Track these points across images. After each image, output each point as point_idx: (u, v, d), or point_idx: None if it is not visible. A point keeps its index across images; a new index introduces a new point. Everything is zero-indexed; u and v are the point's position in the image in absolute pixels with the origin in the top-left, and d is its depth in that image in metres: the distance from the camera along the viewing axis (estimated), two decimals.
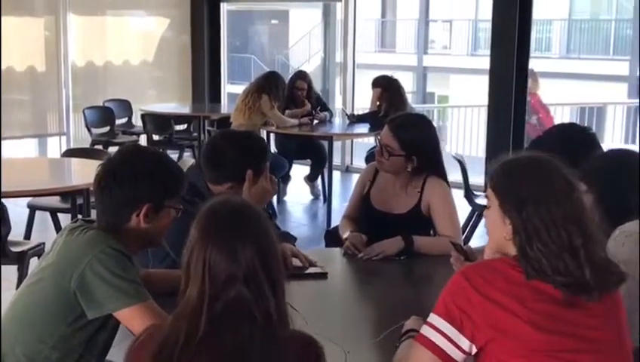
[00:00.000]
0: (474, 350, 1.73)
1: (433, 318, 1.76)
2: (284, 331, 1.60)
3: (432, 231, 3.18)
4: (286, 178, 7.32)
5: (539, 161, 1.83)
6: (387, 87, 6.92)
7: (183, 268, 1.62)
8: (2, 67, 8.13)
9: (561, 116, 10.36)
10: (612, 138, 11.03)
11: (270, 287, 1.59)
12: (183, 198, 2.28)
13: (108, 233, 2.11)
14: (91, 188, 4.46)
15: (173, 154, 7.62)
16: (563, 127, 3.04)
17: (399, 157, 3.10)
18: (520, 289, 1.71)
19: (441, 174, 3.21)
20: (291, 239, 3.07)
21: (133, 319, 2.04)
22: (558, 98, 12.99)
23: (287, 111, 6.97)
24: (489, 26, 7.50)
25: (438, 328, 1.74)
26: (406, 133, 3.12)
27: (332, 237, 3.44)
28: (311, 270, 2.77)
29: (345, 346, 2.08)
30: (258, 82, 6.85)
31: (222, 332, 1.56)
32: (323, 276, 2.75)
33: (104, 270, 2.02)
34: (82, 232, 2.11)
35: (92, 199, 4.59)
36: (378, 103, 6.95)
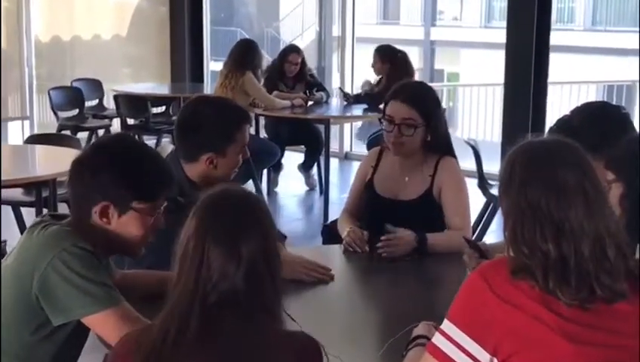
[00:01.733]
0: None
1: (447, 326, 1.73)
2: (282, 329, 1.65)
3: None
4: (277, 166, 7.31)
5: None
6: (390, 59, 6.88)
7: (175, 262, 1.65)
8: None
9: (586, 95, 10.33)
10: None
11: (272, 284, 1.64)
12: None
13: (75, 230, 2.09)
14: (58, 179, 4.52)
15: (150, 140, 7.60)
16: (593, 105, 3.02)
17: (421, 128, 3.09)
18: (548, 293, 1.68)
19: (453, 154, 3.21)
20: (280, 238, 3.06)
21: (104, 325, 2.03)
22: (582, 75, 13.01)
23: (275, 92, 6.93)
24: None
25: (452, 338, 1.71)
26: (420, 99, 3.14)
27: (330, 233, 3.43)
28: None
29: (344, 358, 2.05)
30: (235, 58, 6.76)
31: (216, 331, 1.59)
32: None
33: (68, 271, 2.00)
34: (44, 229, 2.09)
35: (60, 191, 4.58)
36: (379, 77, 6.92)
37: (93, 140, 6.40)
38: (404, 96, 3.13)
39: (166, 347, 1.58)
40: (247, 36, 14.53)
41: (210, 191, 1.72)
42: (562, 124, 2.69)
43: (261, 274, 1.64)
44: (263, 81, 6.90)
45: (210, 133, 2.82)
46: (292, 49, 7.37)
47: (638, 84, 10.46)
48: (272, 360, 1.62)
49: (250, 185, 6.59)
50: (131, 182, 2.13)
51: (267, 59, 7.57)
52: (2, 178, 4.47)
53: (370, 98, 6.92)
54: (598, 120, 2.63)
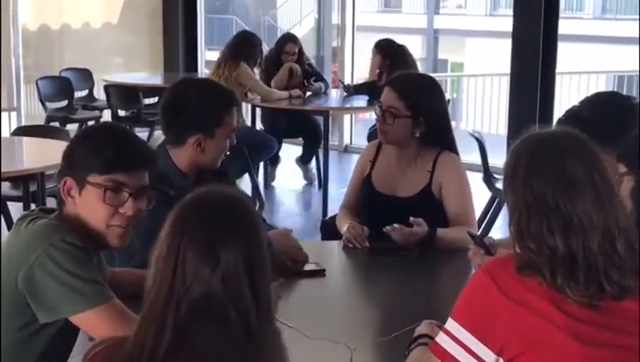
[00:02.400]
0: None
1: (452, 325, 1.73)
2: (263, 351, 1.55)
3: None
4: (275, 160, 7.30)
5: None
6: (391, 54, 6.89)
7: (150, 265, 1.59)
8: None
9: (596, 85, 10.33)
10: None
11: (253, 298, 1.54)
12: (152, 188, 2.25)
13: (63, 223, 2.09)
14: (47, 173, 4.51)
15: (143, 133, 7.58)
16: (603, 95, 3.01)
17: (405, 119, 3.09)
18: (556, 290, 1.67)
19: (455, 149, 3.21)
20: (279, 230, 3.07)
21: (94, 324, 2.02)
22: (592, 65, 12.99)
23: (273, 82, 6.93)
24: None
25: (457, 338, 1.71)
26: (411, 90, 3.15)
27: (329, 229, 3.42)
28: (307, 267, 2.77)
29: (349, 344, 2.11)
30: (231, 48, 6.75)
31: (190, 342, 1.53)
32: (320, 273, 2.75)
33: (56, 267, 1.99)
34: (32, 223, 2.08)
35: (49, 185, 4.58)
36: (379, 71, 6.92)
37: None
38: (395, 84, 3.19)
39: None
40: (243, 24, 14.53)
41: (195, 191, 1.65)
42: (571, 115, 2.68)
43: (240, 282, 1.54)
44: (259, 72, 6.89)
45: (197, 114, 2.83)
46: (289, 38, 7.37)
47: None
48: None
49: (246, 180, 6.60)
50: (86, 154, 2.11)
51: (264, 48, 7.55)
52: None
53: (371, 89, 6.91)
54: (609, 111, 2.62)
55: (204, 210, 1.60)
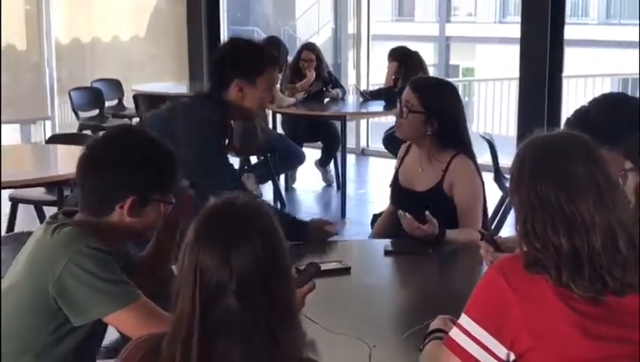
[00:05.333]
0: (512, 358, 1.69)
1: (465, 321, 1.72)
2: (290, 356, 1.51)
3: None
4: None
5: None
6: (405, 61, 6.87)
7: (178, 272, 1.56)
8: None
9: (601, 88, 10.26)
10: None
11: (269, 303, 1.50)
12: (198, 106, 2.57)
13: (86, 228, 2.08)
14: None
15: None
16: (611, 96, 2.98)
17: (418, 114, 3.15)
18: (562, 286, 1.66)
19: (470, 154, 3.22)
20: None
21: (125, 322, 2.03)
22: (597, 68, 12.90)
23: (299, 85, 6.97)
24: None
25: (470, 333, 1.70)
26: (427, 91, 3.22)
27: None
28: (332, 266, 2.77)
29: (369, 341, 2.11)
30: None
31: (214, 356, 1.49)
32: (346, 271, 2.75)
33: (84, 273, 1.99)
34: (57, 231, 2.07)
35: None
36: (395, 78, 6.91)
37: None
38: (414, 83, 3.31)
39: None
40: (263, 35, 14.54)
41: (212, 203, 1.60)
42: (580, 115, 2.66)
43: (254, 291, 1.49)
44: (280, 78, 6.89)
45: (244, 60, 3.09)
46: (305, 46, 7.43)
47: None
48: None
49: (269, 186, 6.61)
50: (154, 174, 2.13)
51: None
52: (25, 178, 4.51)
53: (387, 95, 6.90)
54: (617, 111, 2.59)
55: (218, 220, 1.56)
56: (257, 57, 3.12)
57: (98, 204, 2.12)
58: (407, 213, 2.98)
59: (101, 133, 2.42)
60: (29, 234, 2.26)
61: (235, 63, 3.09)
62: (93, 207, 2.13)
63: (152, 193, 2.13)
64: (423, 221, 2.96)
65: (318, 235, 3.07)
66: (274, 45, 7.11)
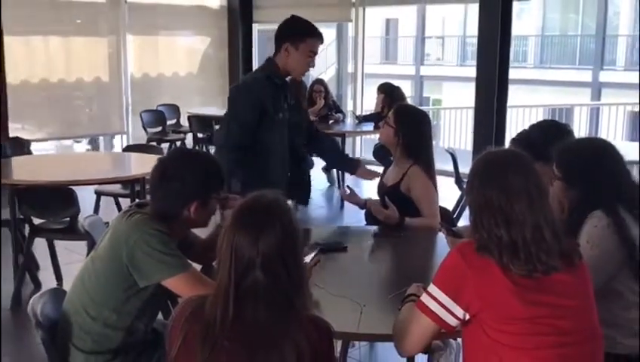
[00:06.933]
0: (467, 317, 1.67)
1: (432, 288, 1.71)
2: (302, 314, 1.52)
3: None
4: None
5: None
6: (390, 93, 6.86)
7: (217, 252, 1.57)
8: (73, 78, 8.17)
9: (536, 116, 10.25)
10: (578, 135, 10.88)
11: (287, 275, 1.50)
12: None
13: (152, 218, 2.08)
14: (147, 178, 4.53)
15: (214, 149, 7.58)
16: (546, 122, 2.97)
17: (390, 128, 3.17)
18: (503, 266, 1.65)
19: (427, 165, 3.15)
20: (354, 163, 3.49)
21: (179, 285, 2.03)
22: (533, 100, 12.87)
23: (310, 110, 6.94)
24: (475, 41, 7.41)
25: (435, 297, 1.69)
26: (402, 113, 3.23)
27: (370, 214, 3.50)
28: (332, 245, 2.73)
29: (361, 302, 2.11)
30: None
31: (245, 315, 1.50)
32: (343, 249, 2.74)
33: (148, 247, 2.00)
34: (129, 217, 2.08)
35: (148, 186, 4.59)
36: (382, 106, 6.89)
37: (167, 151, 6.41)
38: (398, 106, 3.36)
39: (214, 328, 1.50)
40: None
41: (245, 197, 1.61)
42: (522, 136, 2.65)
43: (276, 266, 1.49)
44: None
45: (293, 28, 3.05)
46: (316, 81, 7.41)
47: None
48: (290, 340, 1.48)
49: None
50: (213, 181, 2.15)
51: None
52: (107, 177, 4.51)
53: (376, 119, 6.89)
54: (550, 134, 2.58)
55: (249, 211, 1.56)
56: (303, 27, 3.05)
57: (169, 209, 2.11)
58: (373, 199, 3.09)
59: (166, 152, 2.42)
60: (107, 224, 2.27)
61: (286, 31, 3.05)
62: (164, 209, 2.11)
63: (210, 196, 2.14)
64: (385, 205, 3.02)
65: (361, 173, 3.33)
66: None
